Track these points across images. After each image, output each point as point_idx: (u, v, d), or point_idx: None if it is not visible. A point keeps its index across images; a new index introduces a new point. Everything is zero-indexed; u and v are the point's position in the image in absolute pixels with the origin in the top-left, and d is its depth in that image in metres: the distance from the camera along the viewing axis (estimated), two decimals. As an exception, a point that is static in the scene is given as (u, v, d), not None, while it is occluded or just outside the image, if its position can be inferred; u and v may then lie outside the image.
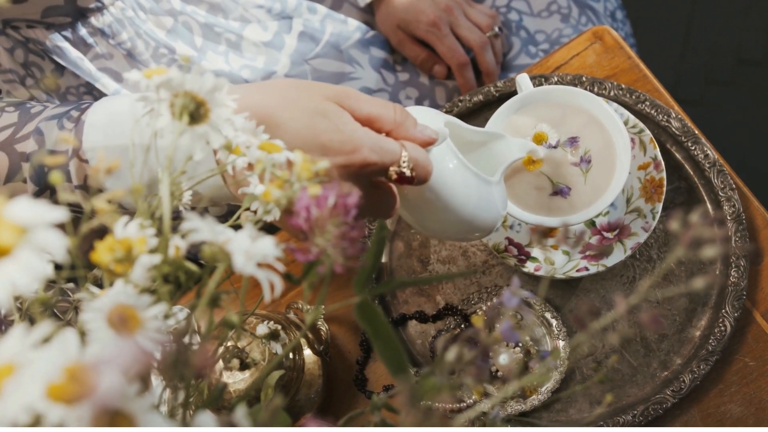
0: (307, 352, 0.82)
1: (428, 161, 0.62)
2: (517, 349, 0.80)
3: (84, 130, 0.63)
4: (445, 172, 0.64)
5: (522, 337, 0.82)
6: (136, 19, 0.89)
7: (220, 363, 0.74)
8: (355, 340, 0.87)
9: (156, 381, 0.57)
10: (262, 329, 0.75)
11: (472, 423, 0.79)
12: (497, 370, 0.81)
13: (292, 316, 0.83)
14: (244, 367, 0.76)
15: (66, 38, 0.88)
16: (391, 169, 0.60)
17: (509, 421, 0.80)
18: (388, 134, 0.62)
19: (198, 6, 0.94)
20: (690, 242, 0.39)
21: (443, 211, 0.65)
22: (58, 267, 0.51)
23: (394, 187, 0.64)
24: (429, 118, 0.66)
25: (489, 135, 0.75)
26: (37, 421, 0.36)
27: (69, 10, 0.84)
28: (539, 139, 0.80)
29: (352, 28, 1.04)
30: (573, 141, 0.79)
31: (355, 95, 0.62)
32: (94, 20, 0.87)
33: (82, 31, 0.88)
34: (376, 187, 0.63)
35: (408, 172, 0.60)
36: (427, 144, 0.63)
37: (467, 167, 0.65)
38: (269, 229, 0.98)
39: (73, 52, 0.89)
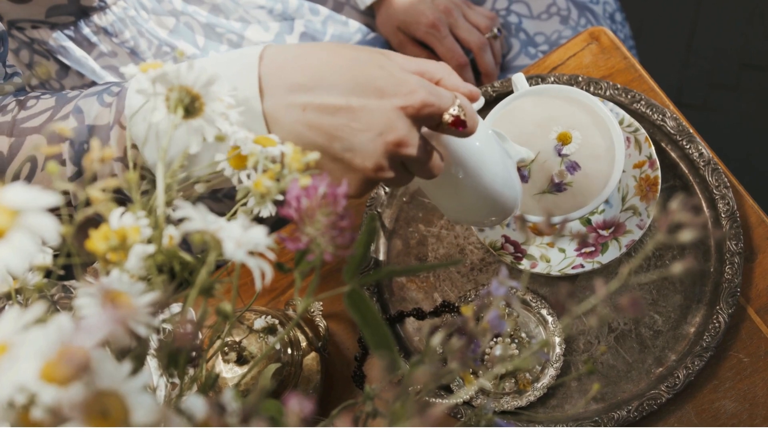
0: (306, 349, 0.83)
1: (475, 112, 0.62)
2: (513, 345, 0.81)
3: (126, 95, 0.61)
4: (478, 139, 0.65)
5: (518, 333, 0.82)
6: (138, 18, 0.91)
7: (219, 357, 0.75)
8: (353, 336, 0.88)
9: (153, 368, 0.58)
10: (260, 323, 0.76)
11: (461, 412, 0.80)
12: (493, 366, 0.82)
13: (290, 313, 0.84)
14: (242, 362, 0.77)
15: (70, 37, 0.89)
16: (447, 113, 0.60)
17: (503, 413, 0.80)
18: (437, 84, 0.63)
19: (199, 6, 0.95)
20: (671, 227, 0.39)
21: (472, 181, 0.66)
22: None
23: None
24: None
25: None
26: (31, 402, 0.37)
27: (72, 9, 0.86)
28: (562, 137, 0.81)
29: (353, 29, 1.05)
30: (573, 167, 0.80)
31: (399, 54, 0.62)
32: (97, 19, 0.89)
33: (86, 30, 0.89)
34: (426, 141, 0.63)
35: (463, 117, 0.60)
36: (472, 98, 0.63)
37: (496, 139, 0.67)
38: (277, 223, 1.00)
39: (78, 51, 0.90)
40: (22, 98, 0.67)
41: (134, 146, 0.60)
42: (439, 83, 0.63)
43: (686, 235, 0.38)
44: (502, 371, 0.81)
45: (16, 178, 0.64)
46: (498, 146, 0.67)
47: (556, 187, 0.79)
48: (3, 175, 0.64)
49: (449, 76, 0.63)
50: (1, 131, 0.64)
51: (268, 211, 0.52)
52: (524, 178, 0.80)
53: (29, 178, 0.64)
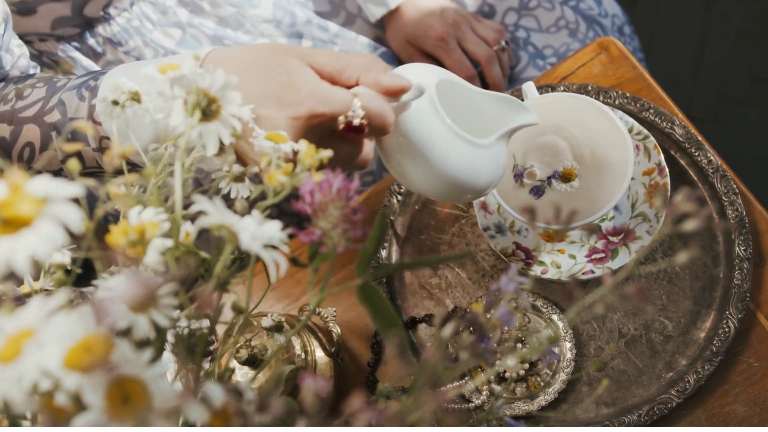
0: (320, 354, 0.84)
1: (387, 112, 0.60)
2: (525, 350, 0.82)
3: (98, 95, 0.65)
4: (425, 128, 0.63)
5: (528, 338, 0.83)
6: (143, 29, 0.93)
7: (233, 359, 0.76)
8: (366, 343, 0.89)
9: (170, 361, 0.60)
10: (267, 322, 0.76)
11: (473, 416, 0.81)
12: (504, 371, 0.82)
13: (305, 318, 0.85)
14: (256, 365, 0.78)
15: (76, 48, 0.92)
16: (339, 118, 0.60)
17: (514, 417, 0.81)
18: (357, 81, 0.61)
19: (206, 19, 0.97)
20: (677, 218, 0.40)
21: (425, 168, 0.64)
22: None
23: (365, 141, 0.64)
24: (421, 74, 0.64)
25: (498, 98, 0.72)
26: (55, 387, 0.39)
27: (77, 21, 0.88)
28: (566, 174, 0.82)
29: (362, 46, 1.07)
30: (537, 191, 0.84)
31: (323, 52, 0.62)
32: (102, 30, 0.91)
33: (91, 41, 0.92)
34: (342, 140, 0.62)
35: (357, 122, 0.59)
36: (394, 92, 0.61)
37: (449, 127, 0.64)
38: (299, 222, 1.01)
39: (85, 61, 0.93)
40: (20, 86, 0.72)
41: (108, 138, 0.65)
42: (358, 80, 0.61)
43: (690, 225, 0.39)
44: (512, 369, 0.82)
45: (20, 159, 0.71)
46: (447, 130, 0.63)
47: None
48: (8, 155, 0.71)
49: (367, 72, 0.61)
50: (2, 119, 0.70)
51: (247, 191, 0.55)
52: (520, 175, 0.81)
53: (29, 161, 0.70)
